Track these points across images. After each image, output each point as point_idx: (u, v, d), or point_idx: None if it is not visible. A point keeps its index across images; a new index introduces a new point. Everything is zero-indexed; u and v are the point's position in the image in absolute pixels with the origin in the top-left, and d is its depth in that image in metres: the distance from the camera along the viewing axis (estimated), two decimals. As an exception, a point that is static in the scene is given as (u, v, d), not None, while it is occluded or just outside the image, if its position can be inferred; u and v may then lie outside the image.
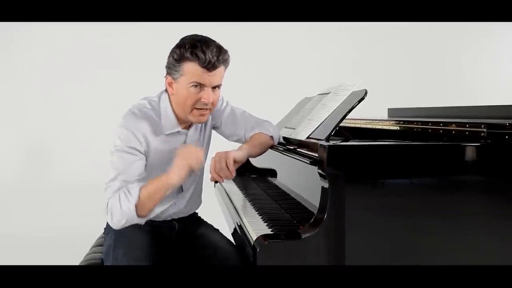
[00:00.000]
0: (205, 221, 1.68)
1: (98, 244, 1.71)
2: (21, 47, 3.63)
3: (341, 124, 1.40)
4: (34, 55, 3.63)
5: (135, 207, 1.28)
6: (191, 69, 1.32)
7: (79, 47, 3.64)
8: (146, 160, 1.41)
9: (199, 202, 1.68)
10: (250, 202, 1.70)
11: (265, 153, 1.58)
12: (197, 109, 1.39)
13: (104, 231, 1.57)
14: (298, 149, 1.40)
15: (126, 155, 1.36)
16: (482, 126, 1.26)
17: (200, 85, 1.35)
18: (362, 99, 1.39)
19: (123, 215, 1.29)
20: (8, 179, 3.65)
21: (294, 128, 1.64)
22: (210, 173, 1.37)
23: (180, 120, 1.46)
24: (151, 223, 1.50)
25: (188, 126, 1.50)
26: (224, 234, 1.57)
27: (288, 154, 1.46)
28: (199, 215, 1.71)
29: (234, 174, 1.38)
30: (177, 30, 2.98)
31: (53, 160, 3.67)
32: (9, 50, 3.62)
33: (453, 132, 1.37)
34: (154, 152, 1.43)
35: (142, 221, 1.35)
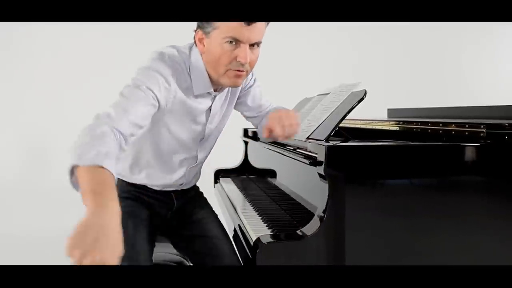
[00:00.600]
0: (203, 199, 1.62)
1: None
2: (21, 47, 3.63)
3: (341, 125, 1.40)
4: (34, 55, 3.62)
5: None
6: (226, 21, 1.15)
7: (79, 47, 3.64)
8: (159, 110, 1.22)
9: (199, 176, 1.59)
10: (249, 202, 1.70)
11: (264, 153, 1.59)
12: (232, 70, 1.21)
13: None
14: (297, 150, 1.40)
15: (137, 91, 1.15)
16: (482, 127, 1.26)
17: (236, 41, 1.17)
18: (362, 99, 1.39)
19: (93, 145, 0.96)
20: (8, 179, 3.65)
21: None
22: (272, 128, 1.24)
23: (212, 83, 1.29)
24: (147, 203, 1.40)
25: (221, 90, 1.36)
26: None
27: (288, 155, 1.46)
28: (199, 189, 1.64)
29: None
30: (178, 30, 2.98)
31: (53, 160, 3.67)
32: (9, 50, 3.62)
33: (453, 132, 1.37)
34: (172, 108, 1.26)
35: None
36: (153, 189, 1.44)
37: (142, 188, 1.44)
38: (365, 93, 1.39)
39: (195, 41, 1.28)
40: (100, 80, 3.60)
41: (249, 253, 1.20)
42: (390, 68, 4.01)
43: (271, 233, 1.28)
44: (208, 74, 1.27)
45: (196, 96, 1.31)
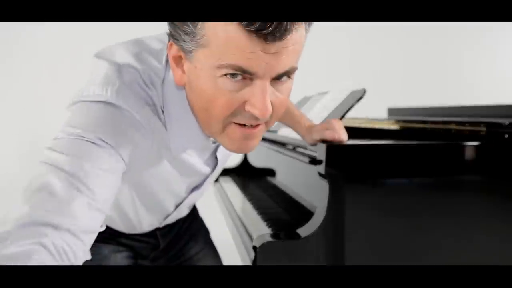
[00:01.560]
0: (196, 223, 1.40)
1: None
2: (21, 47, 3.63)
3: (341, 124, 1.39)
4: (34, 55, 3.62)
5: None
6: (222, 34, 0.62)
7: (79, 47, 3.64)
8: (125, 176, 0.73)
9: (192, 206, 1.29)
10: (249, 201, 1.70)
11: (264, 152, 1.58)
12: (237, 124, 0.70)
13: None
14: (297, 149, 1.40)
15: (95, 157, 0.64)
16: (482, 125, 1.26)
17: (243, 74, 0.64)
18: (361, 98, 1.39)
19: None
20: (8, 179, 3.65)
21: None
22: (331, 132, 1.04)
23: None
24: (125, 245, 1.10)
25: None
26: (223, 234, 1.54)
27: (287, 154, 1.46)
28: (196, 210, 1.43)
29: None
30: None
31: (52, 160, 3.67)
32: (9, 50, 3.62)
33: (453, 131, 1.37)
34: (145, 172, 0.81)
35: None
36: (129, 233, 1.10)
37: (115, 233, 1.09)
38: (364, 92, 1.39)
39: (169, 60, 0.73)
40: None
41: (248, 252, 1.20)
42: (390, 67, 4.01)
43: (271, 232, 1.28)
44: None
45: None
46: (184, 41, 0.65)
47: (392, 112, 2.58)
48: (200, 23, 0.63)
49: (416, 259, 1.18)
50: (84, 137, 0.64)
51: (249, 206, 1.65)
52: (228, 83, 0.64)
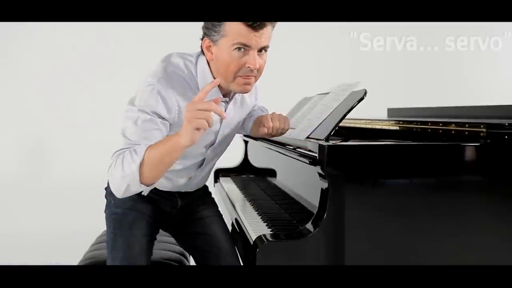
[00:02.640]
0: (210, 199, 1.62)
1: (98, 242, 1.72)
2: (21, 47, 3.63)
3: (341, 124, 1.39)
4: (34, 55, 3.62)
5: (139, 168, 1.12)
6: (234, 28, 1.15)
7: (79, 47, 3.64)
8: (172, 129, 1.24)
9: (208, 177, 1.58)
10: (249, 202, 1.70)
11: (264, 152, 1.59)
12: (241, 76, 1.21)
13: (105, 220, 1.44)
14: (297, 149, 1.40)
15: (146, 121, 1.18)
16: (482, 126, 1.26)
17: (245, 48, 1.17)
18: (362, 99, 1.38)
19: (124, 177, 1.13)
20: (8, 179, 3.65)
21: (293, 128, 1.64)
22: (266, 127, 1.36)
23: (221, 90, 1.28)
24: (151, 198, 1.41)
25: (230, 96, 1.35)
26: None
27: (288, 154, 1.46)
28: (207, 189, 1.64)
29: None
30: (177, 30, 2.97)
31: (53, 160, 3.67)
32: (9, 50, 3.62)
33: (453, 132, 1.37)
34: (179, 122, 1.22)
35: (145, 190, 1.23)
36: (156, 189, 1.42)
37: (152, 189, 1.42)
38: (365, 93, 1.39)
39: (202, 50, 1.27)
40: (101, 79, 3.60)
41: (248, 252, 1.20)
42: (389, 67, 4.01)
43: (271, 232, 1.28)
44: None
45: None
46: (213, 35, 1.20)
47: (391, 112, 2.58)
48: (222, 23, 1.17)
49: (416, 259, 1.18)
50: (142, 110, 1.20)
51: (249, 206, 1.65)
52: (236, 53, 1.19)
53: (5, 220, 3.38)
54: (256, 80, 1.26)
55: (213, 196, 1.67)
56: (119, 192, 1.18)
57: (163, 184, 1.42)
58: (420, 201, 1.19)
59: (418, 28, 3.96)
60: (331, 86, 1.73)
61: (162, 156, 1.12)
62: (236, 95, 1.38)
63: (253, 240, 1.17)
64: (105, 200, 1.45)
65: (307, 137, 1.44)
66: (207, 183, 1.63)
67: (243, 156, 2.34)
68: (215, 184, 2.28)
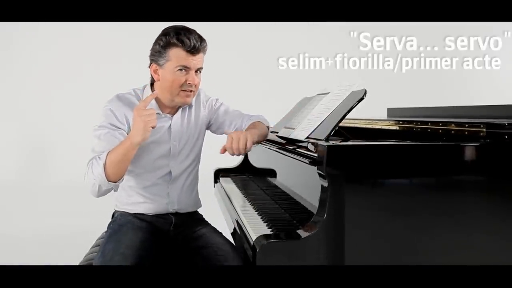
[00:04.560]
0: (207, 222, 1.66)
1: (98, 244, 1.71)
2: (20, 47, 3.63)
3: (341, 124, 1.40)
4: (33, 55, 3.62)
5: (104, 169, 1.39)
6: (176, 54, 1.46)
7: (78, 48, 3.64)
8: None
9: (196, 201, 1.67)
10: (249, 202, 1.70)
11: (264, 153, 1.59)
12: (183, 90, 1.50)
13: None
14: (297, 149, 1.40)
15: (106, 134, 1.47)
16: (482, 126, 1.26)
17: (185, 69, 1.47)
18: (362, 99, 1.38)
19: (95, 179, 1.41)
20: (8, 179, 3.65)
21: (293, 128, 1.64)
22: (226, 148, 1.45)
23: (162, 106, 1.56)
24: (146, 219, 1.56)
25: (173, 112, 1.59)
26: (225, 235, 1.56)
27: (288, 154, 1.46)
28: (202, 216, 1.68)
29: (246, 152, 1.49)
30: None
31: (52, 160, 3.67)
32: (8, 50, 3.62)
33: (453, 132, 1.37)
34: None
35: (114, 186, 1.45)
36: (150, 214, 1.58)
37: (141, 215, 1.59)
38: (365, 93, 1.39)
39: (151, 73, 1.56)
40: (100, 79, 3.60)
41: (249, 252, 1.20)
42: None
43: (271, 232, 1.28)
44: (160, 100, 1.54)
45: None
46: (160, 60, 1.50)
47: (391, 112, 2.58)
48: (166, 51, 1.48)
49: (415, 258, 1.18)
50: (102, 125, 1.49)
51: (249, 206, 1.65)
52: (179, 73, 1.48)
53: (5, 221, 3.38)
54: (194, 95, 1.56)
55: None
56: (95, 193, 1.45)
57: (149, 208, 1.57)
58: (420, 201, 1.19)
59: (418, 28, 3.97)
60: (331, 86, 1.72)
61: (120, 155, 1.39)
62: (187, 110, 1.62)
63: (253, 240, 1.17)
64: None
65: (307, 137, 1.45)
66: (199, 187, 1.69)
67: (243, 156, 2.34)
68: (215, 184, 2.28)
